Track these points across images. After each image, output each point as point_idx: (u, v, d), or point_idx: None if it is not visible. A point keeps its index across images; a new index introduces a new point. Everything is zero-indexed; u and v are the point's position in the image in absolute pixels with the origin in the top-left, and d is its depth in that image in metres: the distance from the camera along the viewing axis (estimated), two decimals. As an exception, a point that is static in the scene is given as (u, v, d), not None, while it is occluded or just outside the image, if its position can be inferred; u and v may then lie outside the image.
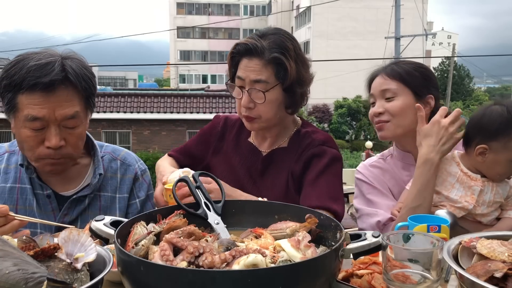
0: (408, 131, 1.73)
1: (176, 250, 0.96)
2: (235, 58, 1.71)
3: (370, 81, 1.83)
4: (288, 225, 1.12)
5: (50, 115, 1.46)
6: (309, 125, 1.88)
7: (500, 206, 1.63)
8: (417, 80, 1.73)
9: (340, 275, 1.12)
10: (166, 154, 1.93)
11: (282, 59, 1.63)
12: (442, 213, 1.46)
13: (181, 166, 1.81)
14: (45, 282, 0.84)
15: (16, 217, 1.31)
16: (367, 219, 1.77)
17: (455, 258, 1.09)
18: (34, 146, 1.50)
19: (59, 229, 1.54)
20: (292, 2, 49.14)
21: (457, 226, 1.55)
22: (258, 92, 1.64)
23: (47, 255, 0.95)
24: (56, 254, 0.95)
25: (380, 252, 1.06)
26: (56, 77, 1.44)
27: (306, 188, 1.68)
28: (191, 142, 1.96)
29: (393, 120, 1.72)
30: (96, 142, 1.75)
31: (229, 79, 1.77)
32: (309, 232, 1.08)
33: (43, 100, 1.44)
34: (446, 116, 1.63)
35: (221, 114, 2.01)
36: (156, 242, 1.03)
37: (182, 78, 52.06)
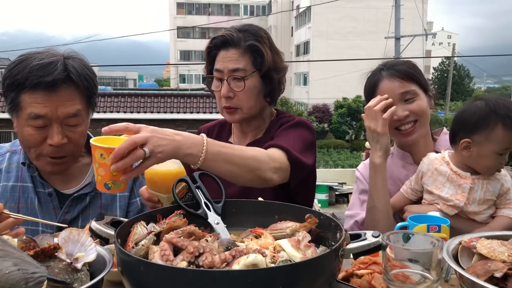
0: (426, 132, 1.78)
1: (176, 250, 0.96)
2: (212, 52, 1.75)
3: (375, 87, 1.76)
4: (288, 225, 1.12)
5: (53, 113, 1.48)
6: (284, 113, 1.90)
7: (494, 204, 1.63)
8: (423, 77, 1.75)
9: (340, 275, 1.12)
10: None
11: (258, 45, 1.70)
12: (435, 214, 1.46)
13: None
14: (45, 282, 0.84)
15: (10, 215, 1.32)
16: (349, 221, 1.88)
17: (455, 258, 1.09)
18: (36, 144, 1.52)
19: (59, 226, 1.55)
20: (292, 2, 49.14)
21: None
22: (237, 80, 1.69)
23: (47, 255, 0.95)
24: (56, 254, 0.95)
25: (380, 252, 1.06)
26: (59, 77, 1.46)
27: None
28: None
29: (420, 120, 1.72)
30: None
31: (206, 74, 1.80)
32: (309, 232, 1.08)
33: (46, 98, 1.47)
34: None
35: (202, 127, 2.02)
36: (156, 242, 1.03)
37: (182, 78, 52.13)
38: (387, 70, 1.75)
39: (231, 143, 1.86)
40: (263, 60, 1.69)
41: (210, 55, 1.76)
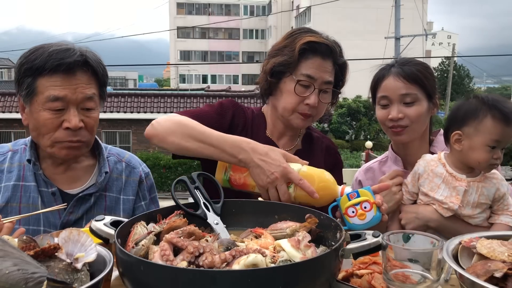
0: (419, 135, 1.77)
1: (176, 250, 0.96)
2: (303, 54, 1.66)
3: (379, 81, 1.77)
4: (288, 225, 1.12)
5: (71, 95, 1.53)
6: (313, 128, 1.92)
7: (490, 209, 1.62)
8: (431, 83, 1.73)
9: (340, 275, 1.12)
10: (177, 114, 1.61)
11: (347, 64, 1.74)
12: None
13: None
14: (45, 282, 0.84)
15: (5, 221, 1.32)
16: None
17: (455, 258, 1.09)
18: (52, 129, 1.54)
19: (63, 226, 1.55)
20: (292, 2, 49.16)
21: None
22: (324, 92, 1.70)
23: (47, 255, 0.95)
24: (56, 254, 0.95)
25: (380, 252, 1.06)
26: (78, 59, 1.53)
27: None
28: (207, 115, 1.69)
29: (412, 125, 1.70)
30: (101, 143, 1.78)
31: (287, 73, 1.67)
32: (309, 232, 1.08)
33: (65, 81, 1.52)
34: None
35: (237, 103, 1.82)
36: (156, 242, 1.03)
37: (182, 78, 52.12)
38: (397, 67, 1.73)
39: (268, 136, 1.81)
40: (344, 79, 1.77)
41: (300, 55, 1.65)
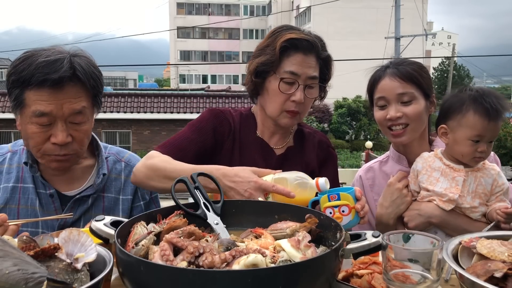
0: (419, 135, 1.77)
1: (176, 250, 0.96)
2: (285, 52, 1.66)
3: (375, 83, 1.77)
4: (288, 225, 1.12)
5: (58, 110, 1.46)
6: (305, 124, 1.92)
7: (486, 203, 1.63)
8: (427, 81, 1.74)
9: (340, 275, 1.12)
10: (155, 152, 1.64)
11: (331, 58, 1.73)
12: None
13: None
14: (45, 282, 0.84)
15: (11, 224, 1.32)
16: None
17: (455, 258, 1.09)
18: (40, 143, 1.50)
19: (61, 228, 1.55)
20: (292, 2, 49.16)
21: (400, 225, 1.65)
22: (313, 88, 1.70)
23: (47, 255, 0.95)
24: (56, 254, 0.95)
25: (380, 252, 1.06)
26: (65, 74, 1.44)
27: None
28: (188, 140, 1.70)
29: (411, 124, 1.71)
30: (100, 143, 1.75)
31: (271, 72, 1.68)
32: (309, 232, 1.08)
33: (51, 96, 1.45)
34: None
35: (218, 108, 1.82)
36: (156, 242, 1.03)
37: (182, 78, 52.11)
38: (392, 68, 1.74)
39: (259, 136, 1.81)
40: (329, 73, 1.76)
41: (282, 54, 1.66)
